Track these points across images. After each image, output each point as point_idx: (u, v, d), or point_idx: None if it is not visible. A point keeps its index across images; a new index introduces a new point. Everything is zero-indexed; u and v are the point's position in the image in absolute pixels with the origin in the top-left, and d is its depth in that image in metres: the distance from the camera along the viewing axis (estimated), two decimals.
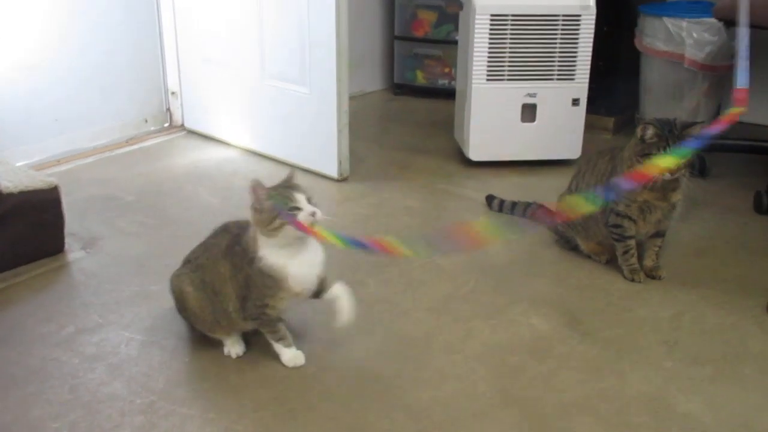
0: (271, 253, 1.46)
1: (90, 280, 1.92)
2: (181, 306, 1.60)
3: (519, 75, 2.64)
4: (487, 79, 2.63)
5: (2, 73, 2.54)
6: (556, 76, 2.66)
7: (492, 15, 2.55)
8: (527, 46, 2.61)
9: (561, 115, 2.70)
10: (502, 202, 2.35)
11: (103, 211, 2.33)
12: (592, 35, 2.61)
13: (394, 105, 3.69)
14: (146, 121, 3.07)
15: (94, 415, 1.41)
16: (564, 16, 2.58)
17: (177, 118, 3.15)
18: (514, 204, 2.33)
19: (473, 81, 2.63)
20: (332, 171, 2.60)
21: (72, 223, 2.12)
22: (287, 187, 1.47)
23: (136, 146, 2.94)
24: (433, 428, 1.40)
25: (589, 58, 2.64)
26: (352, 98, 2.68)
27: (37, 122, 2.68)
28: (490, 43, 2.59)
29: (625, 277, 1.95)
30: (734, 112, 1.52)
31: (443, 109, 3.38)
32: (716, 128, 1.52)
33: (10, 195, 1.90)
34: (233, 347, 1.60)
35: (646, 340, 1.69)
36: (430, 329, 1.73)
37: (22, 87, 2.60)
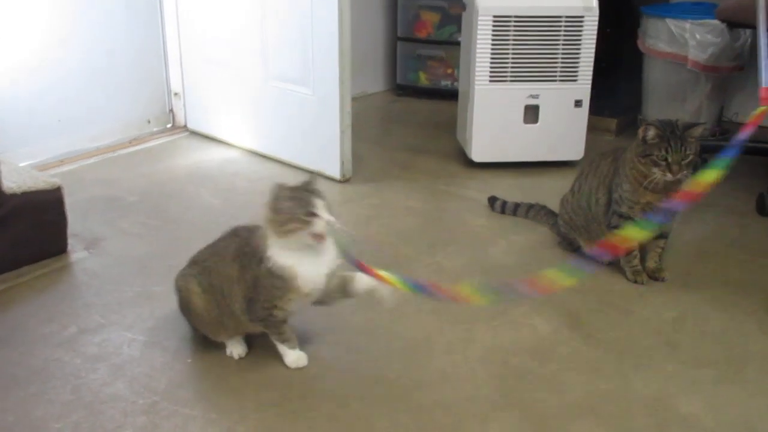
0: (280, 254, 1.44)
1: (92, 281, 1.93)
2: (186, 307, 1.59)
3: (522, 76, 2.64)
4: (490, 81, 2.63)
5: (6, 74, 2.55)
6: (558, 78, 2.66)
7: (495, 16, 2.55)
8: (530, 47, 2.61)
9: (563, 117, 2.70)
10: (504, 203, 2.35)
11: (106, 211, 2.34)
12: (595, 36, 2.61)
13: (397, 106, 3.69)
14: (149, 121, 3.08)
15: (97, 415, 1.42)
16: (567, 17, 2.58)
17: (180, 119, 3.15)
18: (516, 205, 2.33)
19: (476, 82, 2.63)
20: (334, 172, 2.60)
21: (75, 224, 2.12)
22: (307, 191, 1.44)
23: (138, 147, 2.94)
24: (434, 430, 1.40)
25: (592, 59, 2.64)
26: (354, 99, 2.68)
27: (41, 123, 2.69)
28: (493, 45, 2.59)
29: (627, 279, 1.95)
30: (760, 111, 1.51)
31: (446, 110, 3.38)
32: (746, 132, 1.51)
33: (14, 195, 1.90)
34: (235, 348, 1.60)
35: (648, 342, 1.69)
36: (432, 331, 1.73)
37: (25, 88, 2.61)
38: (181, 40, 3.03)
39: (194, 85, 3.06)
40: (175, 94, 3.12)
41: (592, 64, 2.65)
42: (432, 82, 3.76)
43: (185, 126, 3.14)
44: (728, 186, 2.59)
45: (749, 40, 2.95)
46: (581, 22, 2.59)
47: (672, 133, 1.77)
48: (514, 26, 2.57)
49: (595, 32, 2.60)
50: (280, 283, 1.45)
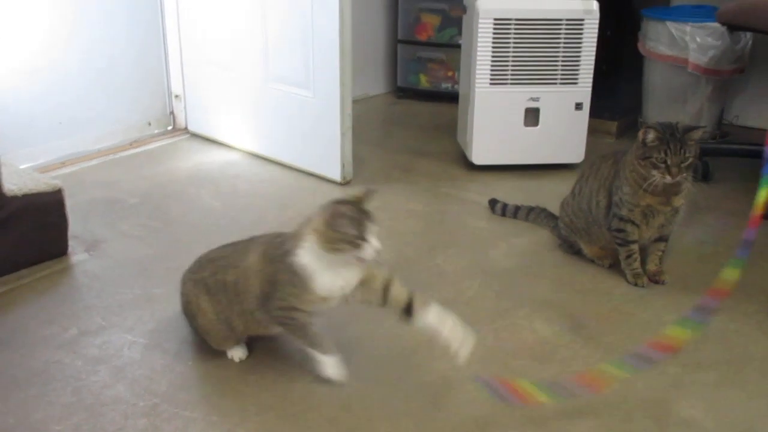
0: (307, 255, 1.42)
1: (93, 283, 1.93)
2: (191, 314, 1.57)
3: (522, 79, 2.64)
4: (491, 83, 2.63)
5: (7, 76, 2.55)
6: (559, 81, 2.66)
7: (495, 19, 2.55)
8: (531, 50, 2.61)
9: (564, 120, 2.70)
10: (505, 206, 2.35)
11: (107, 213, 2.34)
12: (596, 39, 2.61)
13: (398, 108, 3.69)
14: (150, 124, 3.08)
15: (97, 417, 1.42)
16: (567, 20, 2.58)
17: (180, 121, 3.16)
18: (517, 208, 2.33)
19: (476, 85, 2.63)
20: (335, 174, 2.60)
21: (75, 226, 2.12)
22: (363, 212, 1.41)
23: (139, 149, 2.94)
24: None
25: (593, 62, 2.64)
26: (355, 101, 2.68)
27: (42, 125, 2.69)
28: (494, 47, 2.59)
29: (628, 282, 1.95)
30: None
31: (446, 112, 3.38)
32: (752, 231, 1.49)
33: (14, 197, 1.90)
34: (236, 351, 1.60)
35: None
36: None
37: (26, 89, 2.61)
38: (181, 42, 3.03)
39: (195, 87, 3.07)
40: (176, 96, 3.12)
41: (592, 66, 2.65)
42: (433, 85, 3.76)
43: (186, 128, 3.14)
44: (729, 189, 2.61)
45: (750, 43, 2.95)
46: (582, 25, 2.59)
47: (672, 135, 1.77)
48: (515, 29, 2.58)
49: (596, 35, 2.61)
50: (298, 281, 1.43)
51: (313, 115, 2.61)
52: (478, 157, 2.73)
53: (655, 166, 1.77)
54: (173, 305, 1.63)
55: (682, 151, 1.76)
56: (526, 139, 2.72)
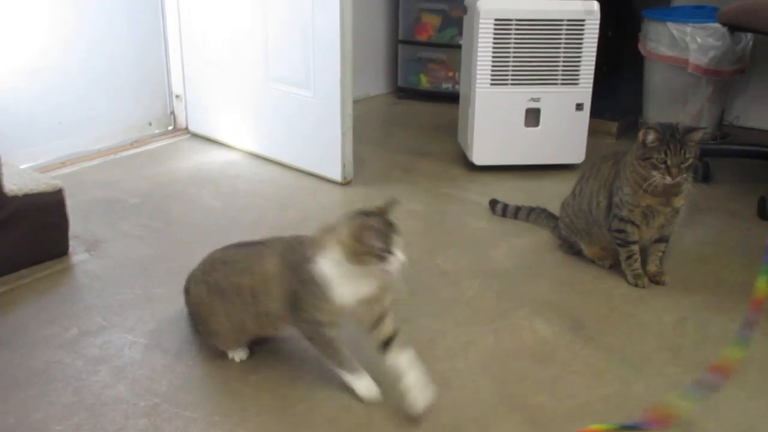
0: (328, 264, 1.40)
1: (94, 283, 1.93)
2: (197, 313, 1.57)
3: (523, 79, 2.64)
4: (491, 84, 2.63)
5: (7, 76, 2.55)
6: (560, 81, 2.66)
7: (496, 19, 2.55)
8: (531, 50, 2.61)
9: (565, 120, 2.70)
10: (505, 206, 2.35)
11: (107, 213, 2.34)
12: (596, 40, 2.61)
13: (398, 109, 3.69)
14: (150, 124, 3.08)
15: (98, 417, 1.42)
16: (568, 20, 2.58)
17: (181, 121, 3.16)
18: (517, 208, 2.33)
19: (477, 85, 2.63)
20: (336, 174, 2.60)
21: (76, 226, 2.12)
22: (389, 224, 1.40)
23: (140, 149, 2.95)
24: None
25: (593, 62, 2.64)
26: (355, 102, 2.68)
27: (42, 125, 2.69)
28: (494, 48, 2.59)
29: (628, 282, 1.95)
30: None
31: (447, 113, 3.38)
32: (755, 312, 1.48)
33: (15, 197, 1.90)
34: (237, 351, 1.60)
35: (649, 346, 1.69)
36: (433, 334, 1.73)
37: (26, 90, 2.61)
38: (182, 43, 3.03)
39: (195, 87, 3.07)
40: (177, 96, 3.13)
41: (593, 67, 2.65)
42: (433, 85, 3.76)
43: (186, 128, 3.14)
44: (729, 190, 2.61)
45: (750, 43, 2.96)
46: (582, 25, 2.59)
47: (672, 136, 1.77)
48: (516, 29, 2.58)
49: (597, 36, 2.61)
50: (317, 290, 1.41)
51: (313, 116, 2.61)
52: (478, 157, 2.73)
53: (656, 167, 1.77)
54: (174, 305, 1.63)
55: (683, 151, 1.76)
56: (527, 140, 2.72)
